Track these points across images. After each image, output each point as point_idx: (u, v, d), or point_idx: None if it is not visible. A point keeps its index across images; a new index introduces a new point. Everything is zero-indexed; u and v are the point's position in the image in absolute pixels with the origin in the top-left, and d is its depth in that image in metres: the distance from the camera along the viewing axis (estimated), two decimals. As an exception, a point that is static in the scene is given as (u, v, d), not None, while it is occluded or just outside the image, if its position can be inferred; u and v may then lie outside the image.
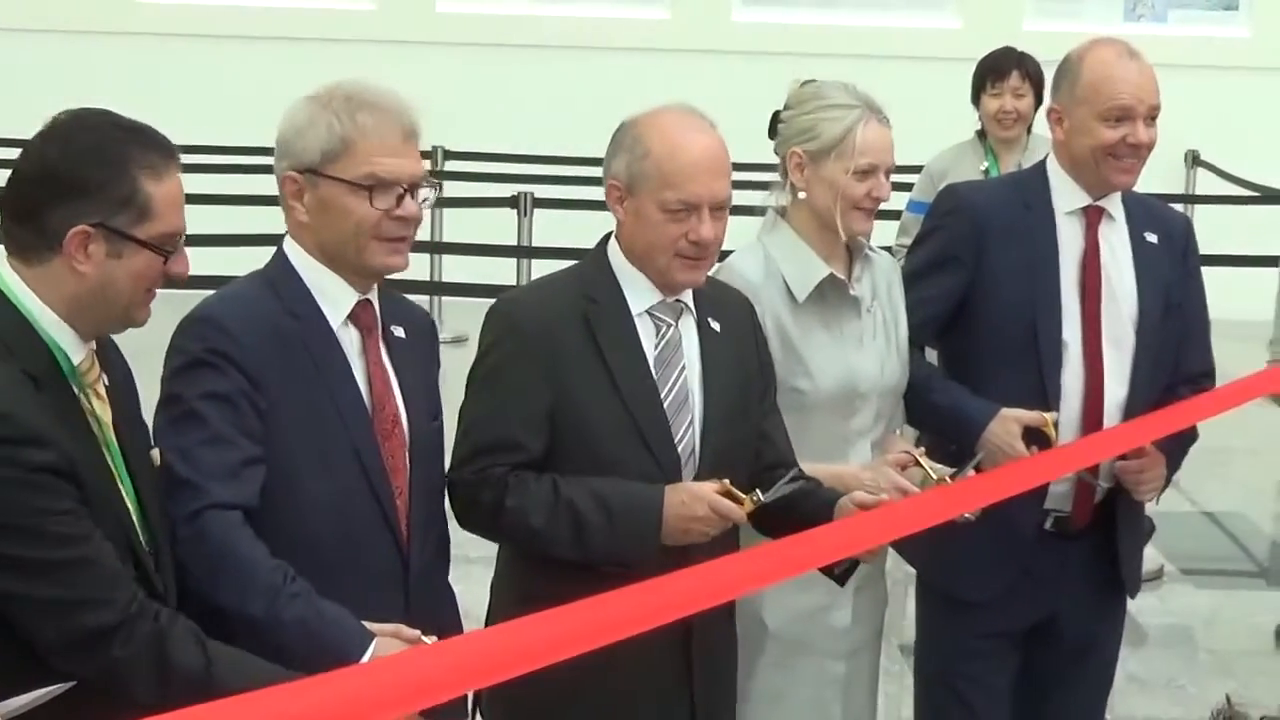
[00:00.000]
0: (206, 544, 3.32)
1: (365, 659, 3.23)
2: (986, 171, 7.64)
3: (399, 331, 3.67)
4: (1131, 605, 5.04)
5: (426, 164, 3.44)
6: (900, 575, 4.87)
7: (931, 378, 4.64)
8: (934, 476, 4.17)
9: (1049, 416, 4.48)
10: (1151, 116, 4.58)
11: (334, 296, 3.57)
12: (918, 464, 4.18)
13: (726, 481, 3.81)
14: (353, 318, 3.59)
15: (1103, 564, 4.78)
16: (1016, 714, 4.85)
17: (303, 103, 3.56)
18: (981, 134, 7.93)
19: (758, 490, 3.81)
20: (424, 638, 3.31)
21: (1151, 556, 7.32)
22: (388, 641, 3.28)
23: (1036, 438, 4.49)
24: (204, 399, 3.40)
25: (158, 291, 3.23)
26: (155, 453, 3.38)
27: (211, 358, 3.43)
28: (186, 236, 3.24)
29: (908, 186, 8.20)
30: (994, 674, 4.78)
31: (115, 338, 3.39)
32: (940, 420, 4.62)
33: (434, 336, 3.85)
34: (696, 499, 3.78)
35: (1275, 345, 7.52)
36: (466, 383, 3.93)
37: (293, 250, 3.60)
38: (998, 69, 7.85)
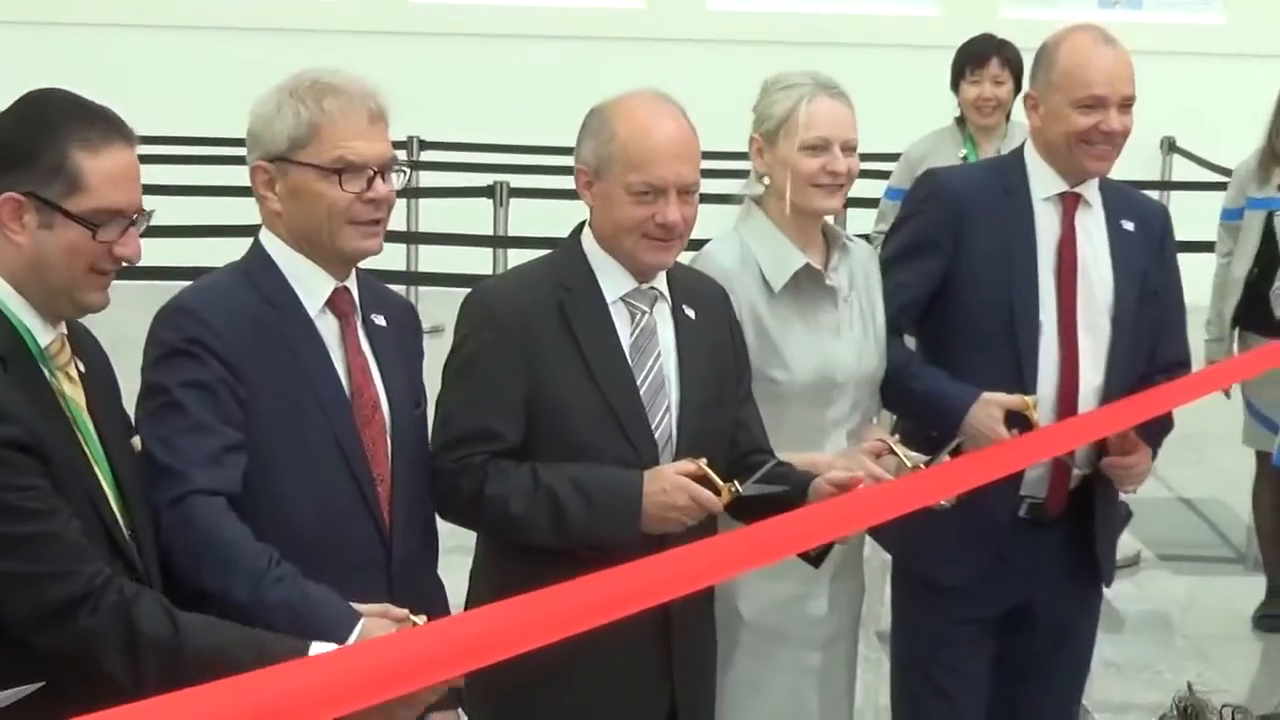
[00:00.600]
0: (190, 529, 3.32)
1: (352, 639, 3.23)
2: (965, 158, 7.64)
3: (379, 319, 3.68)
4: (1108, 591, 5.05)
5: (401, 153, 3.45)
6: (877, 563, 4.88)
7: (910, 363, 4.65)
8: (909, 464, 4.17)
9: (1029, 399, 4.49)
10: (1126, 104, 4.59)
11: (311, 284, 3.57)
12: (892, 452, 4.18)
13: (704, 461, 3.81)
14: (330, 305, 3.59)
15: (1078, 551, 4.79)
16: (993, 700, 4.86)
17: (270, 93, 3.58)
18: (960, 121, 7.93)
19: (735, 481, 3.80)
20: (413, 617, 3.30)
21: (1128, 543, 7.34)
22: (375, 621, 3.27)
23: (1017, 421, 4.49)
24: (183, 387, 3.41)
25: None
26: (136, 440, 3.38)
27: (189, 346, 3.44)
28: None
29: (888, 174, 8.21)
30: (970, 660, 4.79)
31: (94, 331, 3.40)
32: (920, 405, 4.63)
33: (416, 325, 3.85)
34: (677, 488, 3.79)
35: (1211, 326, 7.59)
36: (443, 372, 3.93)
37: (269, 240, 3.61)
38: (977, 56, 7.84)
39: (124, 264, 3.21)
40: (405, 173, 3.67)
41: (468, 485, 3.83)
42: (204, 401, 3.41)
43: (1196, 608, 7.91)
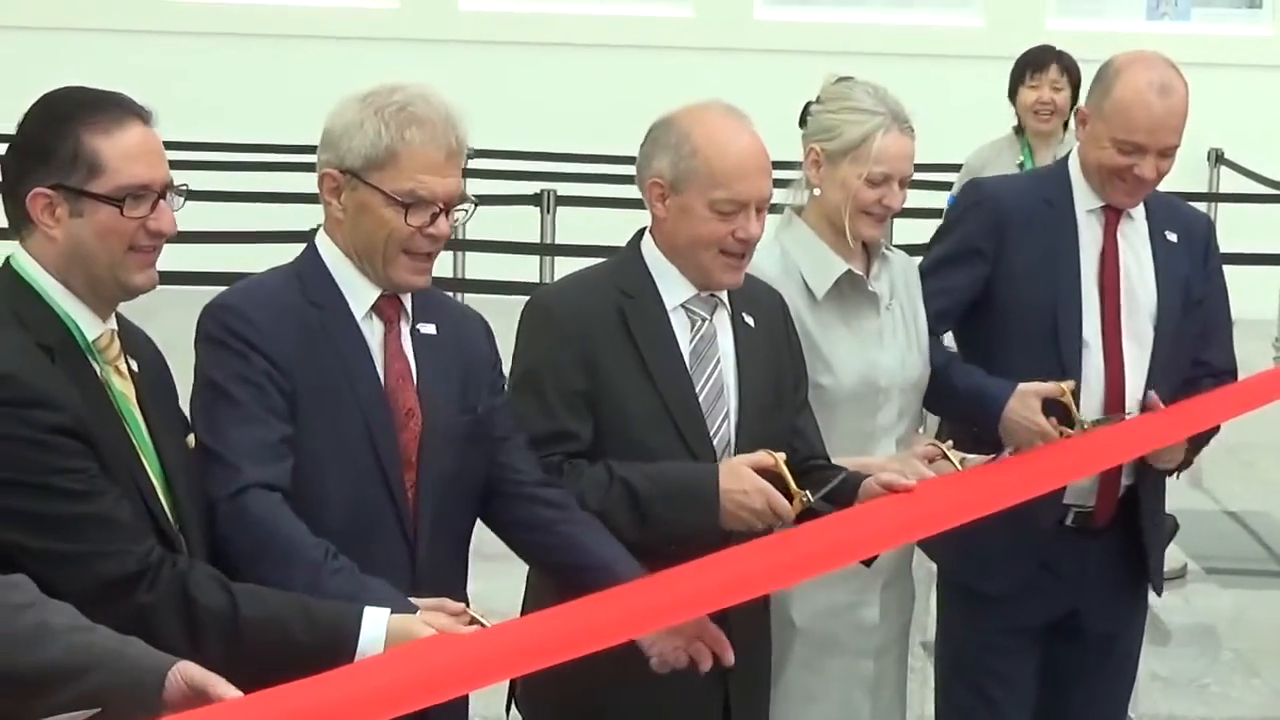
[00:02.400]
0: (247, 522, 3.36)
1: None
2: (1021, 165, 7.67)
3: (428, 328, 3.69)
4: (1155, 604, 5.04)
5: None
6: (922, 572, 4.87)
7: (951, 363, 4.66)
8: (962, 468, 4.18)
9: (1066, 385, 4.50)
10: (1164, 152, 4.58)
11: (358, 289, 3.60)
12: (945, 457, 4.20)
13: (782, 456, 3.84)
14: (376, 310, 3.62)
15: (1124, 561, 4.79)
16: (1038, 711, 4.86)
17: (353, 102, 3.58)
18: (1019, 130, 7.98)
19: (807, 491, 3.82)
20: (471, 612, 3.31)
21: (1175, 555, 7.32)
22: (432, 615, 3.28)
23: (1055, 410, 4.50)
24: (233, 381, 3.46)
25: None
26: (191, 438, 3.42)
27: (234, 341, 3.48)
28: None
29: (930, 185, 8.22)
30: (1016, 670, 4.79)
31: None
32: (960, 403, 4.63)
33: (483, 335, 3.84)
34: (758, 491, 3.81)
35: None
36: (509, 378, 3.93)
37: (324, 244, 3.64)
38: (1037, 62, 7.93)
39: (161, 238, 3.24)
40: (470, 209, 3.66)
41: None
42: (251, 394, 3.45)
43: (1244, 621, 7.87)
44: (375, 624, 3.15)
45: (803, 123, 4.43)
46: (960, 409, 4.66)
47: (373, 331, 3.61)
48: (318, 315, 3.56)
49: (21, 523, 3.04)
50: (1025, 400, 4.49)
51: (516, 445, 3.81)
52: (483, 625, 3.28)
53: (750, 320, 4.07)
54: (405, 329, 3.65)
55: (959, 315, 4.71)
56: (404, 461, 3.58)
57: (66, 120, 3.19)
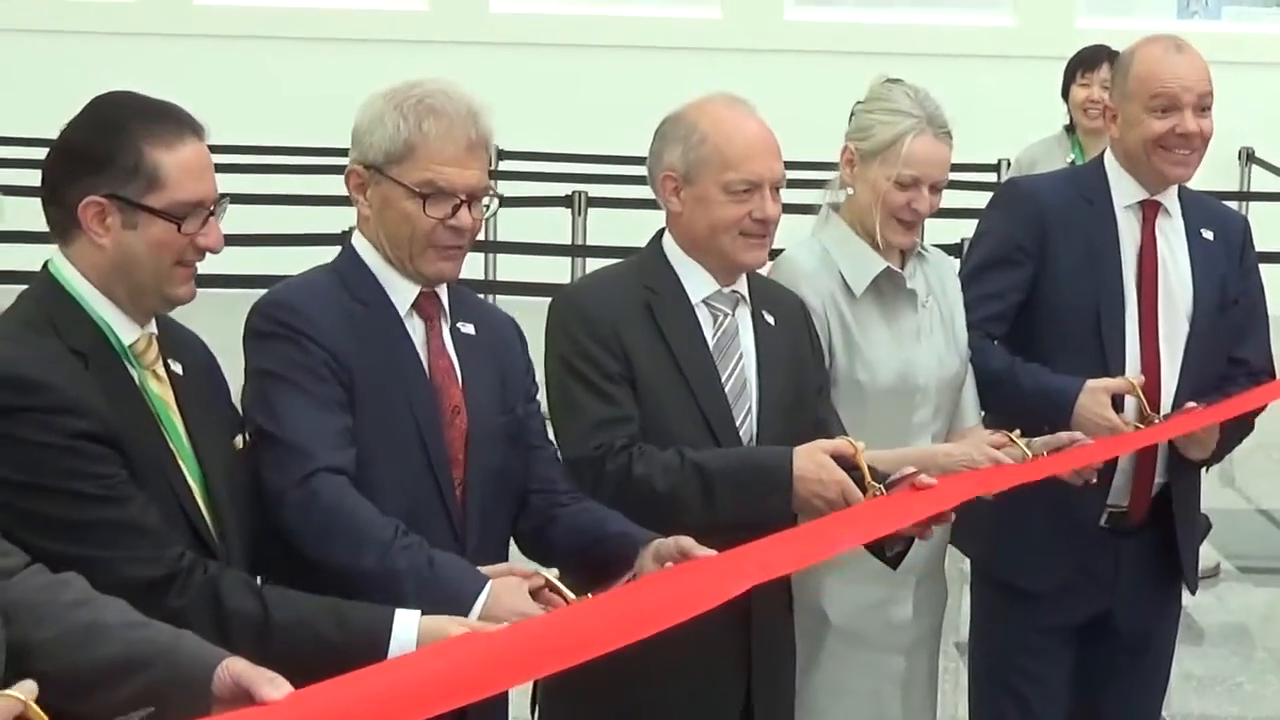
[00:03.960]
0: (317, 505, 3.37)
1: (479, 602, 3.28)
2: (1073, 163, 7.68)
3: (468, 328, 3.70)
4: (1189, 603, 5.03)
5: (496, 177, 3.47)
6: (955, 572, 4.87)
7: (1014, 363, 4.65)
8: (1030, 455, 4.21)
9: (1135, 380, 4.52)
10: (1202, 106, 4.59)
11: (399, 287, 3.62)
12: (1013, 444, 4.23)
13: (862, 446, 3.87)
14: (417, 308, 3.64)
15: (1158, 560, 4.78)
16: (1072, 712, 4.85)
17: (377, 98, 3.60)
18: (1070, 128, 8.02)
19: (881, 486, 3.84)
20: (544, 572, 3.34)
21: (1208, 554, 7.30)
22: (503, 582, 3.31)
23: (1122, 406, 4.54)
24: (295, 369, 3.47)
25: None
26: (239, 440, 3.42)
27: (291, 334, 3.49)
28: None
29: (959, 185, 8.22)
30: (1051, 670, 4.78)
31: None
32: (1029, 403, 4.59)
33: (516, 338, 3.85)
34: (835, 481, 3.83)
35: None
36: (547, 377, 3.95)
37: (360, 243, 3.66)
38: (1089, 60, 8.01)
39: (207, 254, 3.25)
40: (495, 202, 3.68)
41: (614, 468, 3.85)
42: (315, 382, 3.47)
43: (1277, 619, 7.86)
44: (406, 626, 3.15)
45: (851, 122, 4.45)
46: (1029, 409, 4.61)
47: (415, 329, 3.63)
48: (364, 313, 3.58)
49: (45, 527, 3.04)
50: (1095, 396, 4.51)
51: (548, 456, 3.83)
52: (559, 590, 3.31)
53: (770, 318, 4.10)
54: (445, 327, 3.67)
55: (1013, 317, 4.70)
56: (452, 459, 3.60)
57: (126, 130, 3.18)
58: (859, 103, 4.41)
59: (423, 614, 3.16)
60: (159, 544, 3.12)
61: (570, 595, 3.34)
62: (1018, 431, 4.29)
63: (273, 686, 2.71)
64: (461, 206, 3.56)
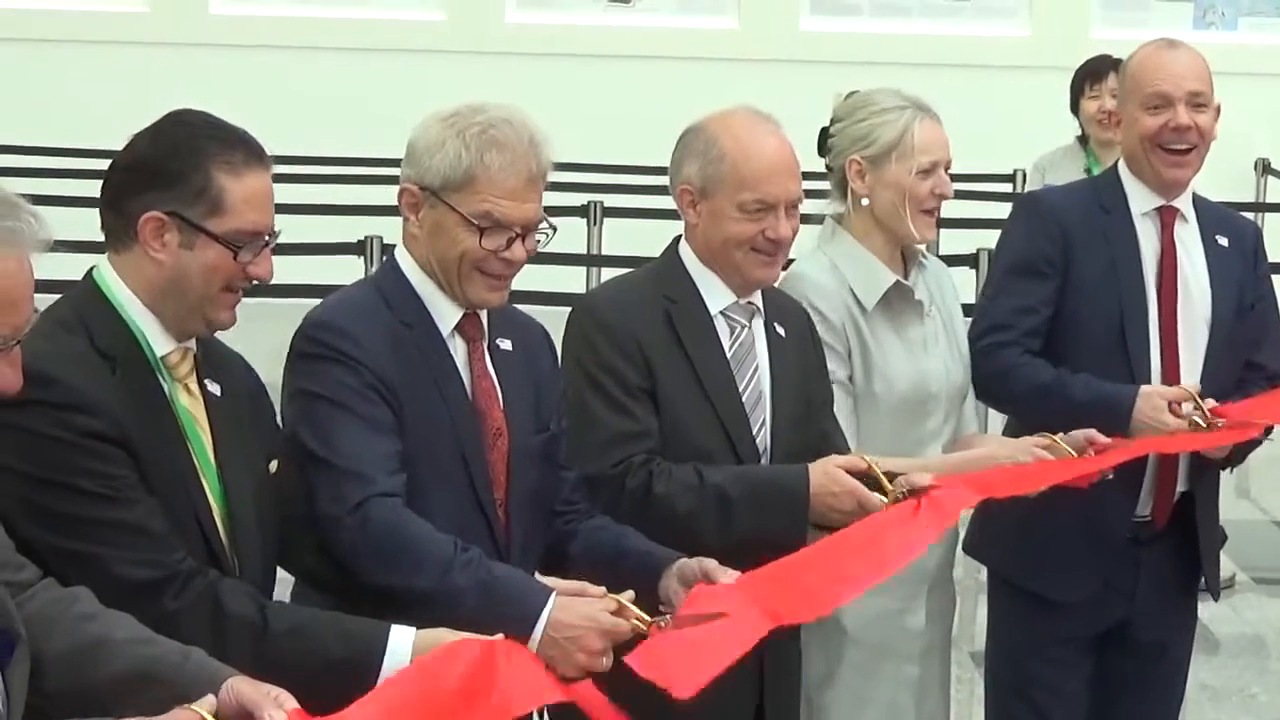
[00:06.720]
0: (372, 529, 3.38)
1: (544, 615, 3.28)
2: (1088, 172, 7.69)
3: (505, 344, 3.70)
4: (1204, 614, 5.03)
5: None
6: (970, 583, 4.87)
7: (1062, 374, 4.64)
8: (1075, 455, 4.26)
9: (1193, 387, 4.53)
10: (1198, 103, 4.59)
11: (443, 309, 3.62)
12: (1055, 444, 4.29)
13: (875, 459, 3.88)
14: (459, 328, 3.64)
15: (1176, 569, 4.80)
16: (1088, 718, 4.85)
17: (437, 120, 3.59)
18: (1083, 139, 8.02)
19: (898, 491, 3.86)
20: (620, 599, 3.34)
21: (1223, 565, 7.28)
22: (567, 600, 3.32)
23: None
24: (346, 393, 3.47)
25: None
26: (274, 464, 3.41)
27: (342, 357, 3.49)
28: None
29: (977, 195, 8.22)
30: (1069, 680, 4.79)
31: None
32: (1084, 413, 4.56)
33: (546, 344, 3.85)
34: (847, 493, 3.85)
35: None
36: (567, 387, 3.94)
37: (404, 259, 3.65)
38: (1095, 72, 8.03)
39: (255, 283, 3.27)
40: (549, 234, 3.67)
41: (634, 485, 3.86)
42: (366, 407, 3.46)
43: (1292, 631, 7.85)
44: (402, 640, 3.16)
45: (821, 149, 4.46)
46: (1080, 419, 4.56)
47: (457, 350, 3.63)
48: (409, 335, 3.57)
49: (47, 519, 3.08)
50: (1152, 401, 4.52)
51: (570, 476, 3.82)
52: (632, 612, 3.32)
53: (782, 330, 4.12)
54: (485, 346, 3.67)
55: (1047, 330, 4.69)
56: (494, 482, 3.60)
57: (199, 152, 3.20)
58: (833, 123, 4.43)
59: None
60: (160, 548, 3.14)
61: (645, 617, 3.35)
62: (1061, 435, 4.33)
63: (275, 707, 2.72)
64: (516, 240, 3.56)
